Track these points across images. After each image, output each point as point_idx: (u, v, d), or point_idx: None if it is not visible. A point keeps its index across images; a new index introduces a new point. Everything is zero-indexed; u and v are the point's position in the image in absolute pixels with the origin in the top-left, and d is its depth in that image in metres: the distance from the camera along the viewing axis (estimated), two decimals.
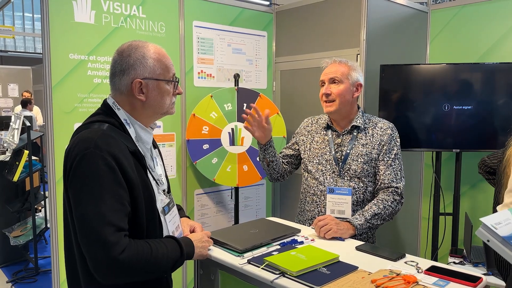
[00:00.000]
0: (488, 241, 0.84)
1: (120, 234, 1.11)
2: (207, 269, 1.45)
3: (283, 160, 1.95)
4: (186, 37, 2.88)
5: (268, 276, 1.22)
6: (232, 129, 2.95)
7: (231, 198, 3.10)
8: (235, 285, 1.35)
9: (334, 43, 3.00)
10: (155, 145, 1.44)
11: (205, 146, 2.88)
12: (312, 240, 1.52)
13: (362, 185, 1.74)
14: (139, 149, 1.26)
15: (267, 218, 1.76)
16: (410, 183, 3.25)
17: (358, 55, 2.85)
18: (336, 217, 1.64)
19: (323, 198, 1.76)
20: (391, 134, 1.75)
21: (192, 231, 1.48)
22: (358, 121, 1.79)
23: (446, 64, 2.79)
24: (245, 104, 2.97)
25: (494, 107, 2.65)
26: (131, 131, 1.26)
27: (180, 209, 1.52)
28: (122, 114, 1.26)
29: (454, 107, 2.68)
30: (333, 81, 1.76)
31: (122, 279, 1.15)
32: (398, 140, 1.78)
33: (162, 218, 1.28)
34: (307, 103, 3.16)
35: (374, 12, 2.86)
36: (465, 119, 2.66)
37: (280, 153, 1.98)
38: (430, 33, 3.28)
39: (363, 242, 1.52)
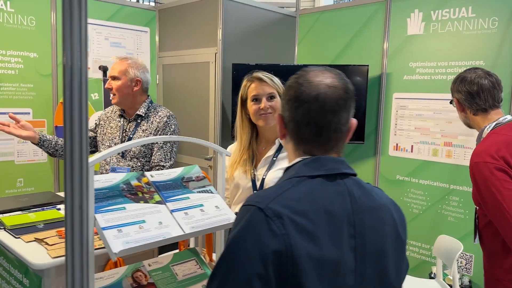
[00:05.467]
0: None
1: None
2: None
3: None
4: (59, 30, 3.11)
5: None
6: (99, 117, 3.18)
7: None
8: None
9: (201, 41, 3.28)
10: None
11: None
12: None
13: (139, 164, 2.03)
14: None
15: (56, 193, 2.03)
16: None
17: (216, 54, 3.14)
18: None
19: None
20: (166, 121, 2.04)
21: None
22: (141, 111, 2.08)
23: (292, 65, 3.11)
24: None
25: None
26: None
27: None
28: None
29: None
30: (113, 78, 2.05)
31: None
32: (173, 126, 2.06)
33: None
34: (188, 95, 3.43)
35: (231, 15, 3.15)
36: None
37: None
38: (298, 36, 3.59)
39: None
